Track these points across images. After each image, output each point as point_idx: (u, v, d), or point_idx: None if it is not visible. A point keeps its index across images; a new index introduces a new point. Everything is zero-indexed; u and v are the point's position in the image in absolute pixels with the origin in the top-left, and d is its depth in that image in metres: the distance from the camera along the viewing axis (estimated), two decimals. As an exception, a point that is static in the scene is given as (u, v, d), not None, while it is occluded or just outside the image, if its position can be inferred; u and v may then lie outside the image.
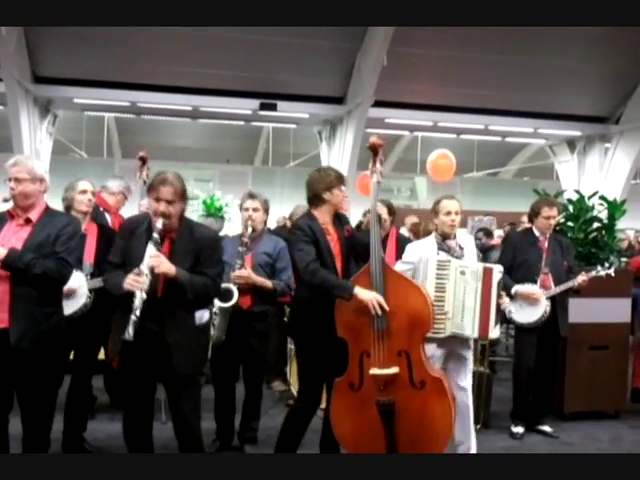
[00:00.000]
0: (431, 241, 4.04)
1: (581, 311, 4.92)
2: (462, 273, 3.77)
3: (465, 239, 4.15)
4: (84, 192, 4.03)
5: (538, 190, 6.04)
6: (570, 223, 5.75)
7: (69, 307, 3.71)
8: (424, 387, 3.50)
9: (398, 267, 3.97)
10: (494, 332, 3.79)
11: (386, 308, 3.41)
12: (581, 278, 4.54)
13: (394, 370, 3.47)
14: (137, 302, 2.95)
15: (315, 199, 3.76)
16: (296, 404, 3.77)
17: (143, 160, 4.41)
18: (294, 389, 4.74)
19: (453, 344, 3.88)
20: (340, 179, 3.79)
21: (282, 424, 3.74)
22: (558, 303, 4.65)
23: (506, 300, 4.14)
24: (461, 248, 4.01)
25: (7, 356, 3.13)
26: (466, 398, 3.93)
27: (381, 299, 3.41)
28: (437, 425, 3.50)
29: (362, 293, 3.43)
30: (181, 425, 3.23)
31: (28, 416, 3.30)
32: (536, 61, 11.96)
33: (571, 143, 15.28)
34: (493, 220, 10.13)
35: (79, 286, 3.80)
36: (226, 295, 3.87)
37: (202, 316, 3.36)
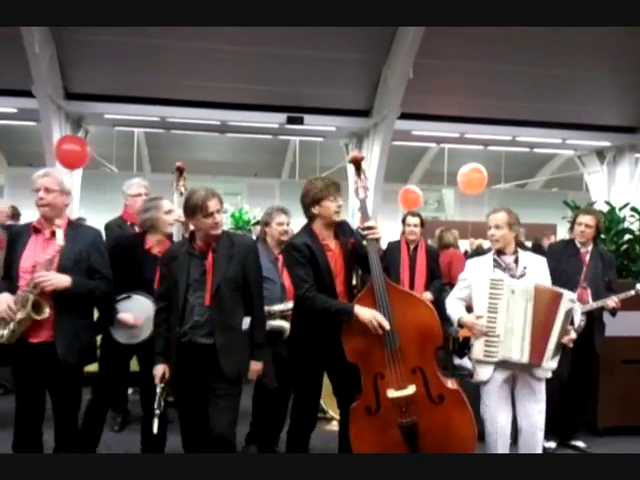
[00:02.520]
0: (488, 258, 3.81)
1: (614, 324, 4.83)
2: (512, 292, 3.55)
3: (531, 259, 3.79)
4: (170, 212, 3.85)
5: (568, 202, 5.98)
6: (601, 235, 5.67)
7: (138, 337, 3.61)
8: (443, 401, 3.44)
9: (457, 285, 3.88)
10: (550, 363, 3.55)
11: (386, 327, 3.31)
12: (612, 303, 4.40)
13: (412, 390, 3.38)
14: (157, 401, 3.24)
15: (307, 214, 3.57)
16: (290, 424, 3.66)
17: (180, 171, 4.39)
18: (323, 403, 4.72)
19: (515, 368, 3.64)
20: (329, 189, 3.49)
21: (286, 444, 3.68)
22: (595, 319, 4.55)
23: (573, 336, 3.73)
24: (524, 267, 3.70)
25: (48, 369, 3.20)
26: (531, 434, 3.70)
27: (380, 317, 3.32)
28: (461, 437, 3.44)
29: (362, 313, 3.33)
30: (217, 438, 3.20)
31: (63, 427, 3.35)
32: (564, 71, 11.88)
33: (600, 153, 15.12)
34: (522, 232, 10.03)
35: (147, 317, 3.57)
36: (274, 336, 3.78)
37: (247, 322, 3.39)
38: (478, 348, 3.65)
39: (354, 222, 11.18)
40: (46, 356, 3.16)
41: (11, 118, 12.90)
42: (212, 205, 3.17)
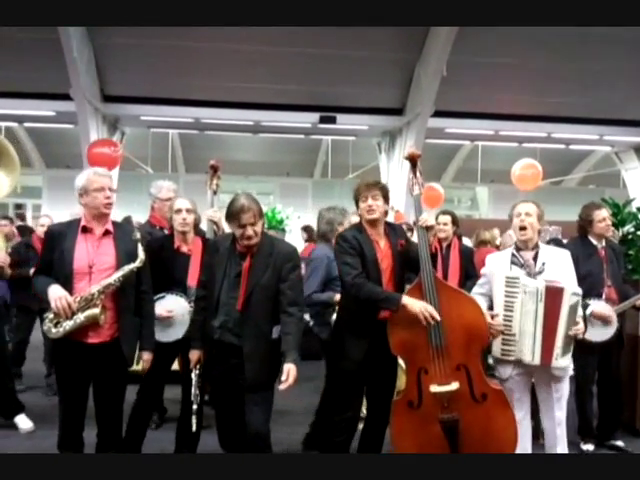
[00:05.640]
0: (507, 253, 3.69)
1: (653, 322, 4.74)
2: (524, 292, 3.46)
3: (553, 254, 3.64)
4: (179, 211, 3.88)
5: (606, 199, 5.87)
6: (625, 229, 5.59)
7: (171, 335, 3.71)
8: (486, 400, 3.42)
9: (479, 280, 3.81)
10: (560, 361, 3.44)
11: (437, 318, 3.29)
12: None
13: (455, 386, 3.37)
14: (193, 394, 3.45)
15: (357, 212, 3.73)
16: (338, 416, 3.62)
17: (215, 169, 4.42)
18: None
19: (534, 367, 3.54)
20: (359, 190, 3.59)
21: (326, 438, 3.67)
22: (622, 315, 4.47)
23: (580, 327, 3.52)
24: (543, 264, 3.55)
25: (102, 368, 3.26)
26: (552, 432, 3.60)
27: (431, 308, 3.30)
28: (502, 437, 3.42)
29: (411, 303, 3.31)
30: (251, 435, 3.26)
31: (109, 426, 3.40)
32: (601, 66, 11.67)
33: (638, 149, 14.81)
34: (559, 230, 9.88)
35: (182, 314, 3.72)
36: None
37: (279, 330, 3.40)
38: (496, 346, 3.58)
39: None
40: (103, 356, 3.22)
41: (49, 121, 13.18)
42: (245, 218, 3.18)
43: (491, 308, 3.63)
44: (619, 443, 4.60)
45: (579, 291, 3.53)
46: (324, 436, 3.73)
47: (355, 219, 3.59)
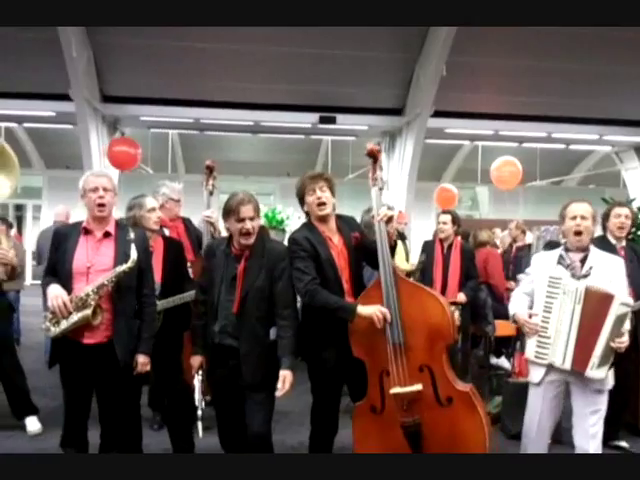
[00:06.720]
0: (556, 253, 3.52)
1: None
2: (564, 293, 3.31)
3: (603, 260, 3.43)
4: (153, 210, 3.91)
5: (606, 198, 5.88)
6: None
7: None
8: (452, 403, 3.23)
9: (524, 279, 3.69)
10: (595, 372, 3.22)
11: (388, 318, 3.17)
12: None
13: (417, 387, 3.21)
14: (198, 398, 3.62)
15: (304, 212, 3.57)
16: (311, 429, 3.57)
17: (210, 169, 4.35)
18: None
19: (567, 374, 3.37)
20: (305, 184, 3.43)
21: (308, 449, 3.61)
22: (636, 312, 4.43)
23: (625, 339, 3.31)
24: (590, 268, 3.36)
25: (101, 370, 3.24)
26: (586, 445, 3.36)
27: (384, 310, 3.19)
28: (469, 443, 3.22)
29: (364, 310, 3.19)
30: (252, 435, 3.26)
31: (111, 426, 3.38)
32: (600, 67, 11.65)
33: (638, 149, 14.80)
34: (559, 230, 9.90)
35: None
36: None
37: (274, 332, 3.38)
38: (530, 348, 3.43)
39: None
40: (100, 357, 3.20)
41: (49, 121, 13.15)
42: (244, 210, 3.17)
43: (532, 308, 3.54)
44: (623, 444, 4.59)
45: (631, 302, 3.34)
46: (311, 439, 3.65)
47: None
